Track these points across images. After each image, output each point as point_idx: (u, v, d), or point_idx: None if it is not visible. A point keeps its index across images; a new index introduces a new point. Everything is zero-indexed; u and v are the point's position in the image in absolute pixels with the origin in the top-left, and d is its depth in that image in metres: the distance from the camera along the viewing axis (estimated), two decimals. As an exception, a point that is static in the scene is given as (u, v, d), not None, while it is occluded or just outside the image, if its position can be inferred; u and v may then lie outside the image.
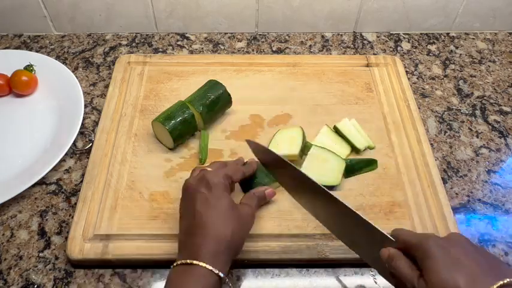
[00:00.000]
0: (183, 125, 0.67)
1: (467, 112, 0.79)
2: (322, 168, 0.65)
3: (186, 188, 0.55)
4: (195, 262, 0.47)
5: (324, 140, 0.70)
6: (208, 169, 0.56)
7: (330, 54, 0.89)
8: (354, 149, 0.70)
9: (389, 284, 0.57)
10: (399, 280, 0.44)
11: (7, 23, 0.90)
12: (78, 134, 0.71)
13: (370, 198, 0.65)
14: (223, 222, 0.51)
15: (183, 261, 0.48)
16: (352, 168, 0.66)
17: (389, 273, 0.46)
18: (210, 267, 0.47)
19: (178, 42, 0.91)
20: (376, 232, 0.47)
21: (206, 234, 0.49)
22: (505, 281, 0.39)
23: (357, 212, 0.48)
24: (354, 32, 0.94)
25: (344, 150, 0.70)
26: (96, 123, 0.75)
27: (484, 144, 0.74)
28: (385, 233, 0.46)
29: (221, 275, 0.47)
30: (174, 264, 0.49)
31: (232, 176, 0.56)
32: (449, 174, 0.70)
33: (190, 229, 0.51)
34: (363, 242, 0.51)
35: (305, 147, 0.68)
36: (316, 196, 0.53)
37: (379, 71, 0.82)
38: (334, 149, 0.68)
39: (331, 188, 0.65)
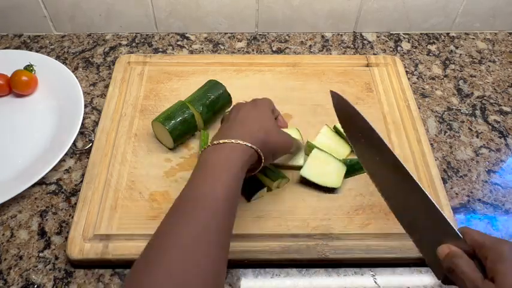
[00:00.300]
0: (183, 125, 0.67)
1: (467, 112, 0.79)
2: (324, 169, 0.65)
3: (237, 105, 0.59)
4: (227, 141, 0.49)
5: (324, 140, 0.70)
6: None
7: (330, 54, 0.89)
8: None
9: (390, 284, 0.58)
10: (458, 278, 0.42)
11: (7, 23, 0.90)
12: (78, 134, 0.71)
13: (370, 198, 0.65)
14: (266, 120, 0.55)
15: (216, 142, 0.50)
16: (352, 168, 0.66)
17: (439, 268, 0.44)
18: (248, 144, 0.49)
19: (178, 42, 0.91)
20: (444, 223, 0.44)
21: (244, 121, 0.53)
22: None
23: (429, 197, 0.45)
24: (354, 32, 0.94)
25: (344, 150, 0.69)
26: (96, 123, 0.75)
27: (484, 144, 0.74)
28: (453, 227, 0.44)
29: (259, 151, 0.50)
30: (205, 146, 0.51)
31: (274, 109, 0.60)
32: (449, 174, 0.70)
33: (230, 123, 0.54)
34: (424, 229, 0.48)
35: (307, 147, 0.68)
36: (389, 168, 0.50)
37: (379, 71, 0.82)
38: (333, 149, 0.68)
39: (332, 190, 0.65)
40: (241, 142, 0.50)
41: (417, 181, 0.47)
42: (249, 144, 0.50)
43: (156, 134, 0.71)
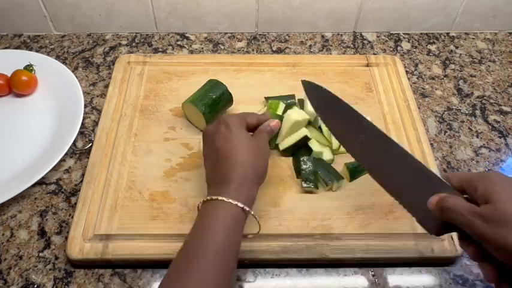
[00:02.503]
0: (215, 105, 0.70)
1: (467, 112, 0.79)
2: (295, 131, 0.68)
3: (205, 132, 0.59)
4: (219, 198, 0.51)
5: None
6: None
7: (330, 54, 0.89)
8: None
9: (390, 285, 0.58)
10: (453, 215, 0.43)
11: (7, 22, 0.90)
12: (78, 134, 0.71)
13: (370, 198, 0.65)
14: (244, 152, 0.54)
15: (209, 197, 0.52)
16: (355, 171, 0.66)
17: (431, 221, 0.45)
18: (235, 202, 0.50)
19: (178, 42, 0.91)
20: (429, 176, 0.46)
21: (229, 165, 0.53)
22: None
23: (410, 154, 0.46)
24: (354, 31, 0.94)
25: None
26: (96, 123, 0.75)
27: (484, 144, 0.74)
28: (439, 176, 0.46)
29: (246, 208, 0.51)
30: (203, 200, 0.52)
31: (246, 117, 0.60)
32: (449, 174, 0.70)
33: (215, 165, 0.55)
34: (411, 188, 0.48)
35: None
36: (368, 138, 0.52)
37: (379, 71, 0.82)
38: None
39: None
40: (232, 202, 0.51)
41: (397, 142, 0.48)
42: (241, 205, 0.51)
43: (188, 115, 0.73)
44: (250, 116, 0.61)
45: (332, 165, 0.68)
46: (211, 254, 0.47)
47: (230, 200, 0.50)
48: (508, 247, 0.38)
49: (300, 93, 0.78)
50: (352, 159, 0.68)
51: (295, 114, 0.68)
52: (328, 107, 0.58)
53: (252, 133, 0.60)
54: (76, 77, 0.79)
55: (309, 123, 0.71)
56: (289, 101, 0.73)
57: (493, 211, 0.40)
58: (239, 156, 0.54)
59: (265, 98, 0.76)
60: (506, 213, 0.39)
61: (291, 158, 0.69)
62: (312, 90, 0.62)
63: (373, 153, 0.52)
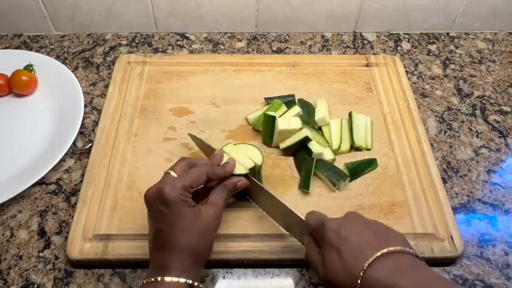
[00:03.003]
0: None
1: (467, 112, 0.79)
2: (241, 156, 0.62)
3: (146, 200, 0.52)
4: (159, 279, 0.47)
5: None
6: (172, 173, 0.53)
7: (330, 54, 0.89)
8: (353, 144, 0.70)
9: None
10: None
11: (7, 22, 0.90)
12: (78, 134, 0.71)
13: (370, 198, 0.65)
14: (186, 237, 0.50)
15: (148, 280, 0.48)
16: (355, 171, 0.66)
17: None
18: (176, 279, 0.47)
19: (178, 42, 0.91)
20: (297, 218, 0.54)
21: (170, 249, 0.49)
22: (384, 251, 0.44)
23: (287, 204, 0.55)
24: (354, 31, 0.94)
25: (344, 145, 0.70)
26: (96, 123, 0.75)
27: (484, 144, 0.74)
28: (303, 218, 0.53)
29: (189, 282, 0.48)
30: (141, 282, 0.48)
31: (191, 184, 0.52)
32: (449, 174, 0.70)
33: (156, 243, 0.51)
34: (291, 224, 0.57)
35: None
36: (259, 192, 0.59)
37: (379, 71, 0.82)
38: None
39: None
40: (174, 279, 0.47)
41: (270, 192, 0.57)
42: (183, 280, 0.48)
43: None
44: (197, 178, 0.53)
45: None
46: None
47: (172, 278, 0.47)
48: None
49: (300, 93, 0.78)
50: (352, 159, 0.69)
51: (283, 122, 0.67)
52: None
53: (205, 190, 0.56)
54: (76, 77, 0.79)
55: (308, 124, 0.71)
56: (289, 100, 0.73)
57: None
58: (179, 242, 0.49)
59: (264, 98, 0.76)
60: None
61: (291, 158, 0.69)
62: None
63: (267, 203, 0.60)
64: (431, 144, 0.73)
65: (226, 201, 0.56)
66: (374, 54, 0.89)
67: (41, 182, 0.68)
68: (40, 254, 0.61)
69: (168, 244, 0.49)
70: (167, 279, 0.47)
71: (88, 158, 0.69)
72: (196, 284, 0.48)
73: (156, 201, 0.50)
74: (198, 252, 0.50)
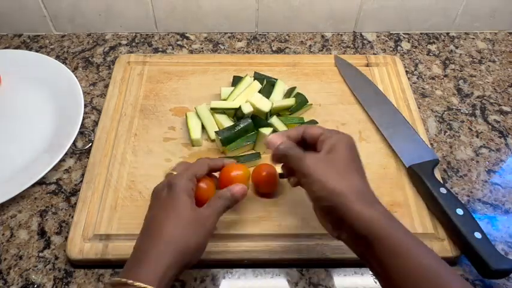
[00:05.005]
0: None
1: (467, 112, 0.79)
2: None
3: (153, 191, 0.53)
4: (129, 281, 0.44)
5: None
6: (174, 172, 0.54)
7: (330, 54, 0.89)
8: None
9: None
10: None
11: (7, 22, 0.90)
12: (78, 134, 0.71)
13: (370, 198, 0.65)
14: (176, 225, 0.48)
15: (117, 279, 0.45)
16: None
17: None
18: (144, 285, 0.43)
19: (178, 42, 0.91)
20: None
21: (158, 235, 0.48)
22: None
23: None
24: (354, 31, 0.94)
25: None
26: (96, 123, 0.75)
27: (484, 144, 0.74)
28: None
29: None
30: (107, 281, 0.46)
31: (196, 172, 0.54)
32: (449, 174, 0.70)
33: (145, 231, 0.50)
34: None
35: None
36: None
37: (379, 71, 0.82)
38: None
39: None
40: (142, 285, 0.44)
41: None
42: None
43: None
44: (201, 167, 0.55)
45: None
46: None
47: (139, 284, 0.43)
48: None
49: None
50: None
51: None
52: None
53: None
54: (76, 77, 0.79)
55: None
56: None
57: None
58: (167, 229, 0.48)
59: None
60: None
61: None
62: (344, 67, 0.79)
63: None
64: (431, 144, 0.73)
65: (224, 211, 0.53)
66: (374, 54, 0.89)
67: (41, 182, 0.68)
68: (40, 254, 0.61)
69: (157, 230, 0.48)
70: (136, 284, 0.43)
71: (88, 158, 0.69)
72: None
73: (164, 189, 0.52)
74: (183, 249, 0.47)
